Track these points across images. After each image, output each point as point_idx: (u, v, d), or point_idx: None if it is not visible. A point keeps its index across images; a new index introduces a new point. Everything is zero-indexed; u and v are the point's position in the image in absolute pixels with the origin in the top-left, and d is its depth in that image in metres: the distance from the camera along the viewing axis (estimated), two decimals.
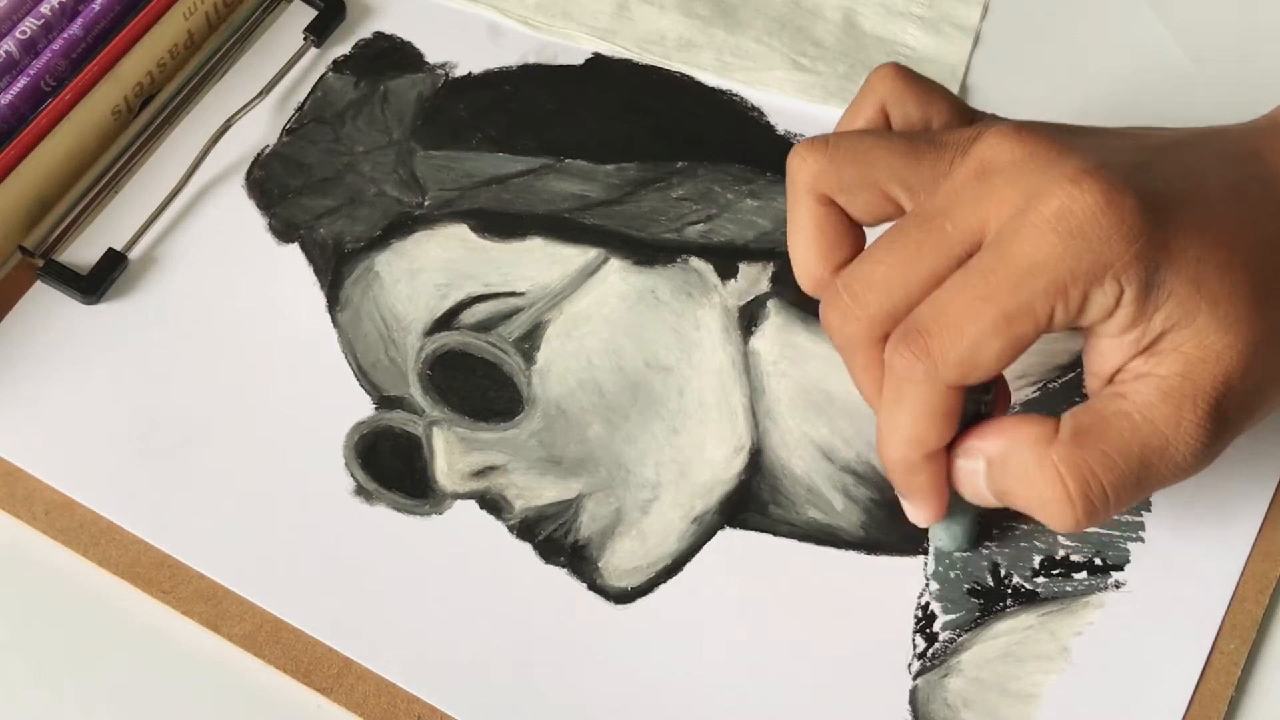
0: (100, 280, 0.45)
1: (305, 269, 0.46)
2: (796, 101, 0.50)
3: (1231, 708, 0.39)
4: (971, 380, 0.35)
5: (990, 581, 0.41)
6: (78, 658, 0.40)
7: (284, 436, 0.43)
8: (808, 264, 0.38)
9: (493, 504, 0.42)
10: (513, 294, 0.45)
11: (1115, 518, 0.41)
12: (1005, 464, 0.36)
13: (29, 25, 0.47)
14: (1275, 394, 0.36)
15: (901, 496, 0.38)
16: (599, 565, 0.41)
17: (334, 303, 0.45)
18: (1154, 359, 0.35)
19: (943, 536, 0.41)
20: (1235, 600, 0.41)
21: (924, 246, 0.35)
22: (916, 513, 0.38)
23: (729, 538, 0.42)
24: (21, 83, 0.47)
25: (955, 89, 0.50)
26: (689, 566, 0.41)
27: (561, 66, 0.51)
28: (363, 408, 0.43)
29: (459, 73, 0.50)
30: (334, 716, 0.39)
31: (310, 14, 0.51)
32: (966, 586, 0.41)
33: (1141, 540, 0.41)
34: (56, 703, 0.39)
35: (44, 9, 0.48)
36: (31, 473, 0.42)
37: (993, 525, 0.41)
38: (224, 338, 0.45)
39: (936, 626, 0.40)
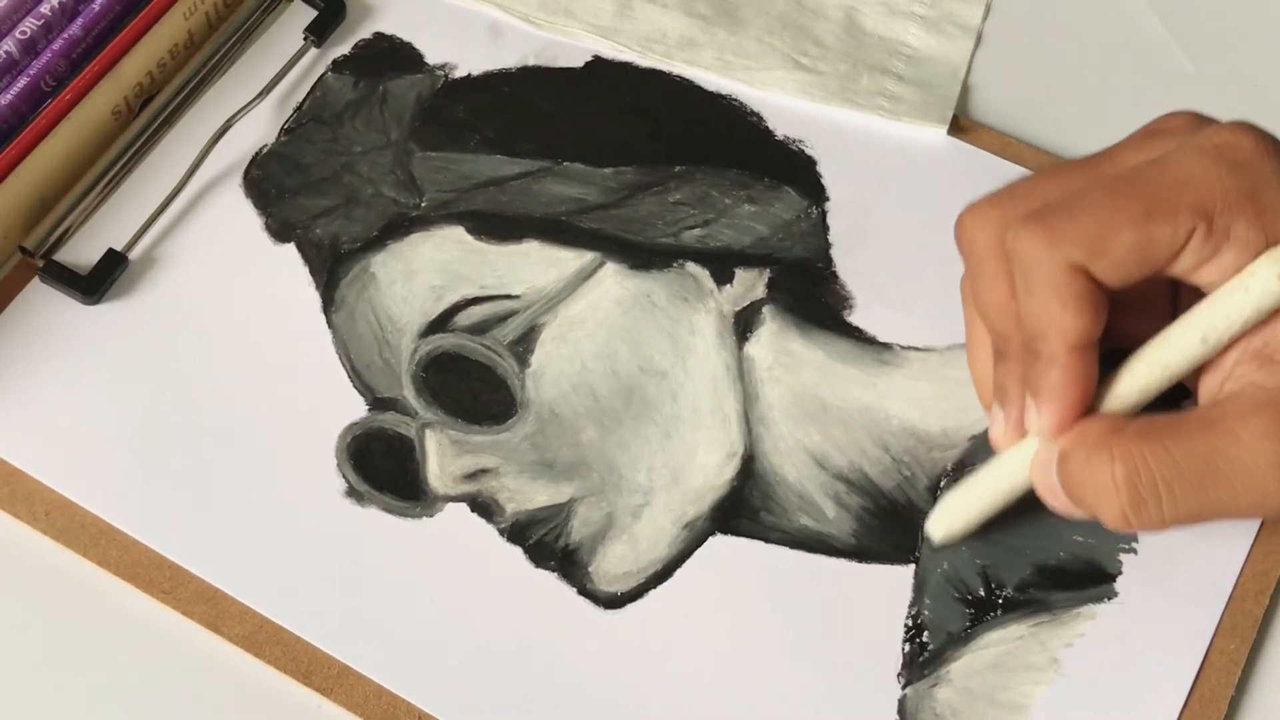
0: (100, 280, 0.45)
1: (301, 269, 0.46)
2: (797, 101, 0.50)
3: (1231, 708, 0.39)
4: (1096, 266, 0.33)
5: (981, 591, 0.41)
6: (78, 658, 0.40)
7: (276, 437, 0.43)
8: None
9: (484, 507, 0.42)
10: (508, 297, 0.45)
11: None
12: (1070, 453, 0.35)
13: (29, 25, 0.47)
14: None
15: (1033, 396, 0.36)
16: (589, 570, 0.41)
17: (329, 303, 0.45)
18: (1267, 369, 0.34)
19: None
20: (1235, 600, 0.40)
21: (1077, 169, 0.36)
22: (1041, 417, 0.36)
23: (720, 544, 0.42)
24: (21, 83, 0.47)
25: (956, 89, 0.50)
26: (679, 572, 0.41)
27: (561, 69, 0.50)
28: (356, 409, 0.43)
29: (458, 74, 0.50)
30: (334, 717, 0.39)
31: (310, 14, 0.51)
32: (957, 596, 0.41)
33: (1134, 552, 0.41)
34: (57, 703, 0.39)
35: (44, 9, 0.48)
36: (31, 473, 0.42)
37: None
38: (222, 338, 0.45)
39: (926, 636, 0.40)
